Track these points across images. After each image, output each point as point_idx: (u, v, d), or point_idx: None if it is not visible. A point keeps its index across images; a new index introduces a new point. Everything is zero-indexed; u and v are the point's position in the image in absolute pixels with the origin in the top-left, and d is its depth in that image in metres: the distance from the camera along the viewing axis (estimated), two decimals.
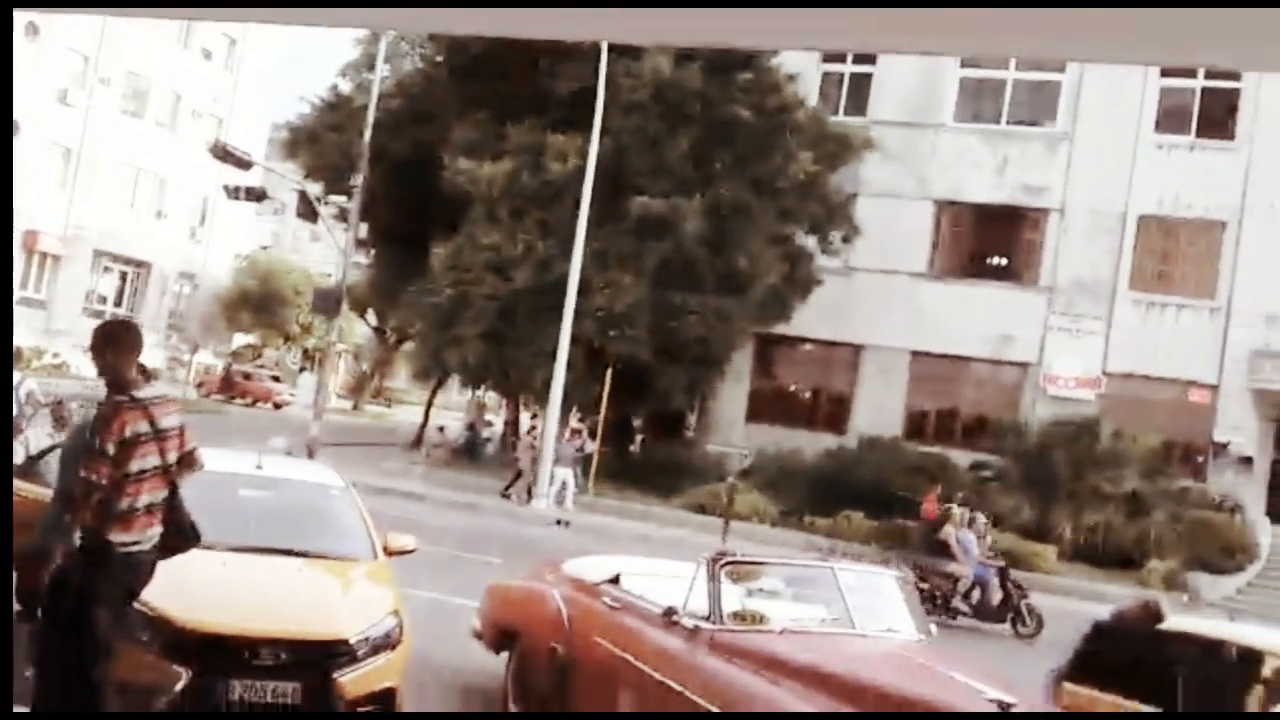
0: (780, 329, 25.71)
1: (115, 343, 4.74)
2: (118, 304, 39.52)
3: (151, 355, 39.58)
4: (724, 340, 24.21)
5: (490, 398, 32.25)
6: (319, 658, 5.71)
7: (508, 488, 21.62)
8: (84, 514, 4.52)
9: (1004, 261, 27.00)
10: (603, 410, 22.18)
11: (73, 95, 35.66)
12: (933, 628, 6.40)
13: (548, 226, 23.02)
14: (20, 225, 34.06)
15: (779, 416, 26.82)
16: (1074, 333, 24.81)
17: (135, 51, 37.09)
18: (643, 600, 6.55)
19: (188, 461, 4.84)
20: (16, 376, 12.24)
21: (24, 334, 32.74)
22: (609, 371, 21.91)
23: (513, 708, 7.01)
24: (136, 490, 4.58)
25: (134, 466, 4.55)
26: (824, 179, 24.32)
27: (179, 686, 5.42)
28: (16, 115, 33.39)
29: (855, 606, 6.01)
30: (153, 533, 4.70)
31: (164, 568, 5.94)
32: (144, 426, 4.56)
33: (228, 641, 5.53)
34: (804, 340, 26.90)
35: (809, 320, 25.45)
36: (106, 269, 38.98)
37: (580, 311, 21.45)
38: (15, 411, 10.43)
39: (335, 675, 5.70)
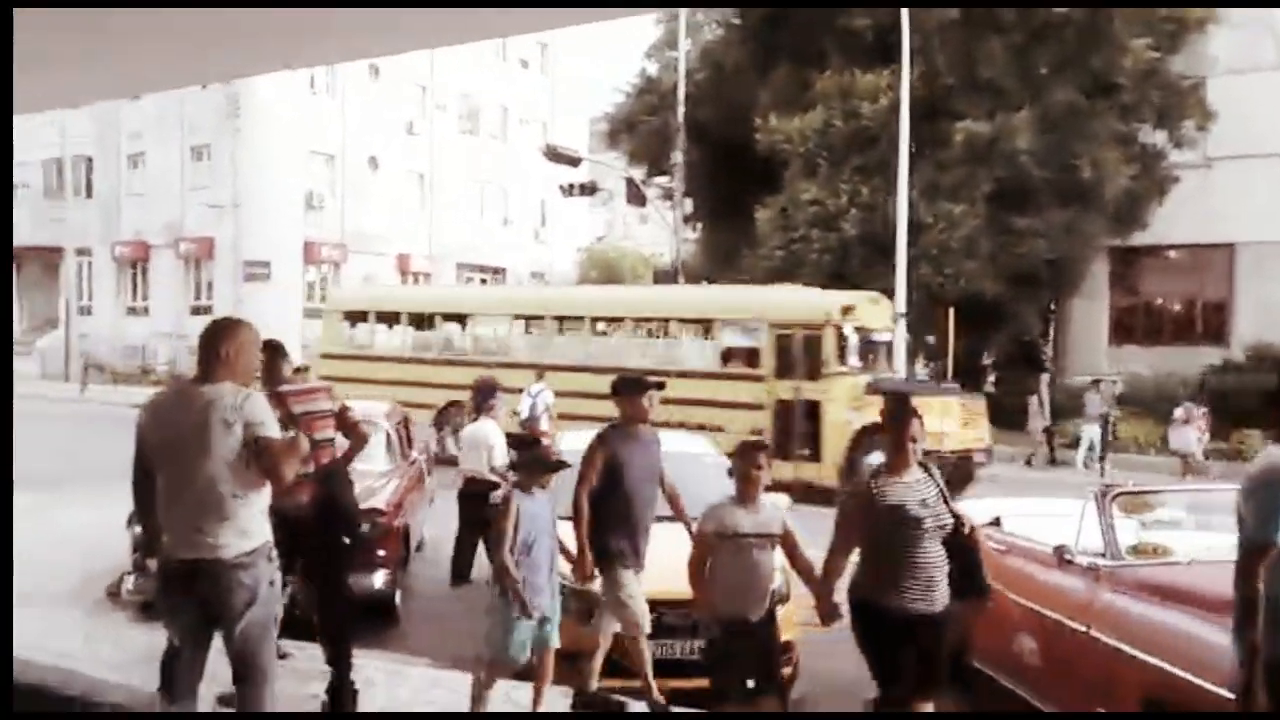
0: (1138, 238, 23.70)
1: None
2: None
3: None
4: (1076, 259, 22.71)
5: None
6: None
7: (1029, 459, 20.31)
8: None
9: None
10: (949, 351, 21.48)
11: (418, 125, 39.21)
12: None
13: (869, 170, 22.60)
14: (392, 250, 38.06)
15: (1147, 335, 24.78)
16: None
17: (463, 73, 40.15)
18: (1029, 541, 6.40)
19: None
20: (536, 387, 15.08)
21: None
22: (950, 311, 21.18)
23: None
24: None
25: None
26: (1164, 65, 22.13)
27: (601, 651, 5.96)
28: (374, 151, 37.35)
29: None
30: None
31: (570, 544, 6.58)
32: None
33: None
34: (1167, 247, 24.65)
35: (1170, 224, 23.26)
36: (469, 279, 42.69)
37: (915, 251, 20.89)
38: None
39: None
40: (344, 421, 5.75)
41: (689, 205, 26.86)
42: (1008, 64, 21.98)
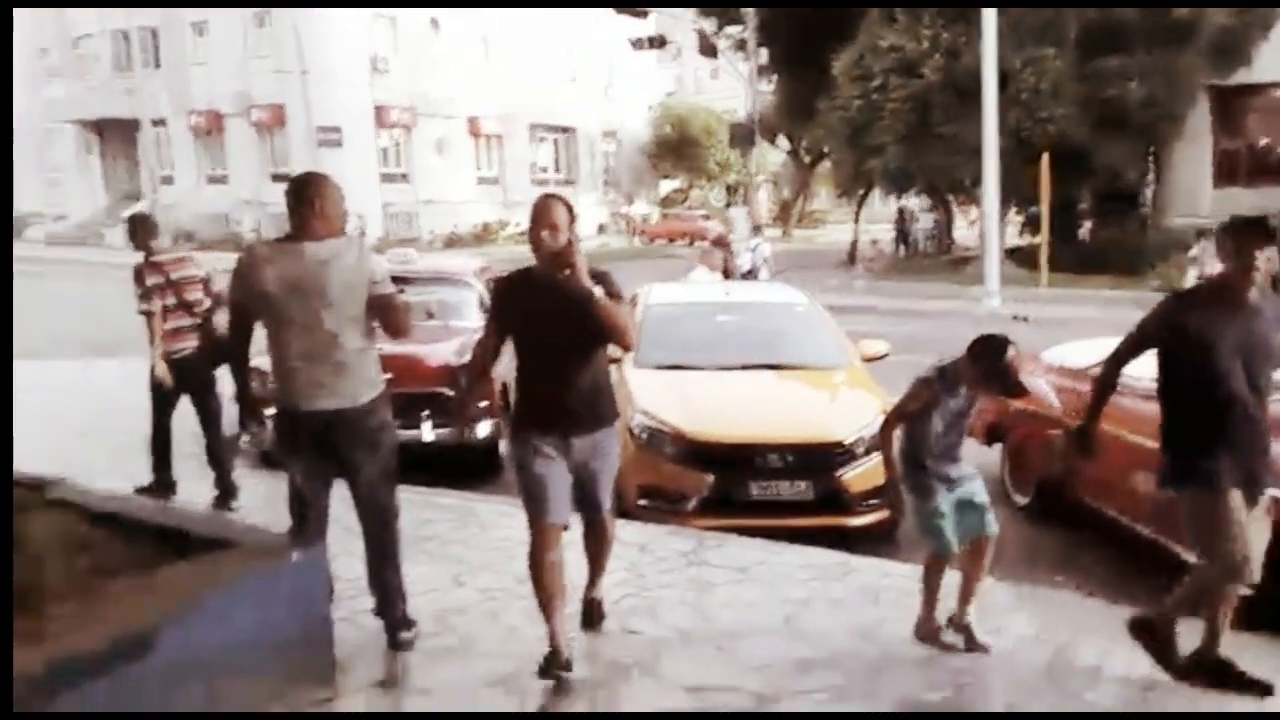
0: (1241, 76, 22.41)
1: (138, 230, 6.55)
2: (556, 170, 42.79)
3: (593, 212, 42.74)
4: (1174, 100, 21.60)
5: (915, 203, 31.49)
6: (821, 458, 6.10)
7: None
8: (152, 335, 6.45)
9: None
10: (1043, 198, 20.82)
11: None
12: None
13: (951, 14, 21.60)
14: (461, 113, 37.67)
15: (1253, 176, 23.60)
16: None
17: None
18: (1137, 379, 6.24)
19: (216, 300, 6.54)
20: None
21: (488, 209, 36.68)
22: (1044, 157, 20.45)
23: (1016, 498, 6.99)
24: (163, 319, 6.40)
25: (155, 304, 6.38)
26: None
27: (705, 490, 6.05)
28: (436, 13, 36.53)
29: None
30: (183, 345, 6.47)
31: (668, 391, 6.64)
32: (158, 278, 6.40)
33: (739, 450, 6.05)
34: (1272, 85, 23.29)
35: (1277, 60, 21.92)
36: (541, 139, 42.20)
37: (1003, 96, 20.07)
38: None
39: (839, 473, 6.07)
40: (208, 288, 6.58)
41: (763, 56, 25.97)
42: None
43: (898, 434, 4.46)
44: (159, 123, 37.98)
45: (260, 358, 4.26)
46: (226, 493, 6.59)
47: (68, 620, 3.52)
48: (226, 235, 34.05)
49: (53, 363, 12.12)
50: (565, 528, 4.07)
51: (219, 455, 6.61)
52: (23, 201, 42.76)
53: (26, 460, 4.43)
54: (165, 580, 3.92)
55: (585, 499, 4.21)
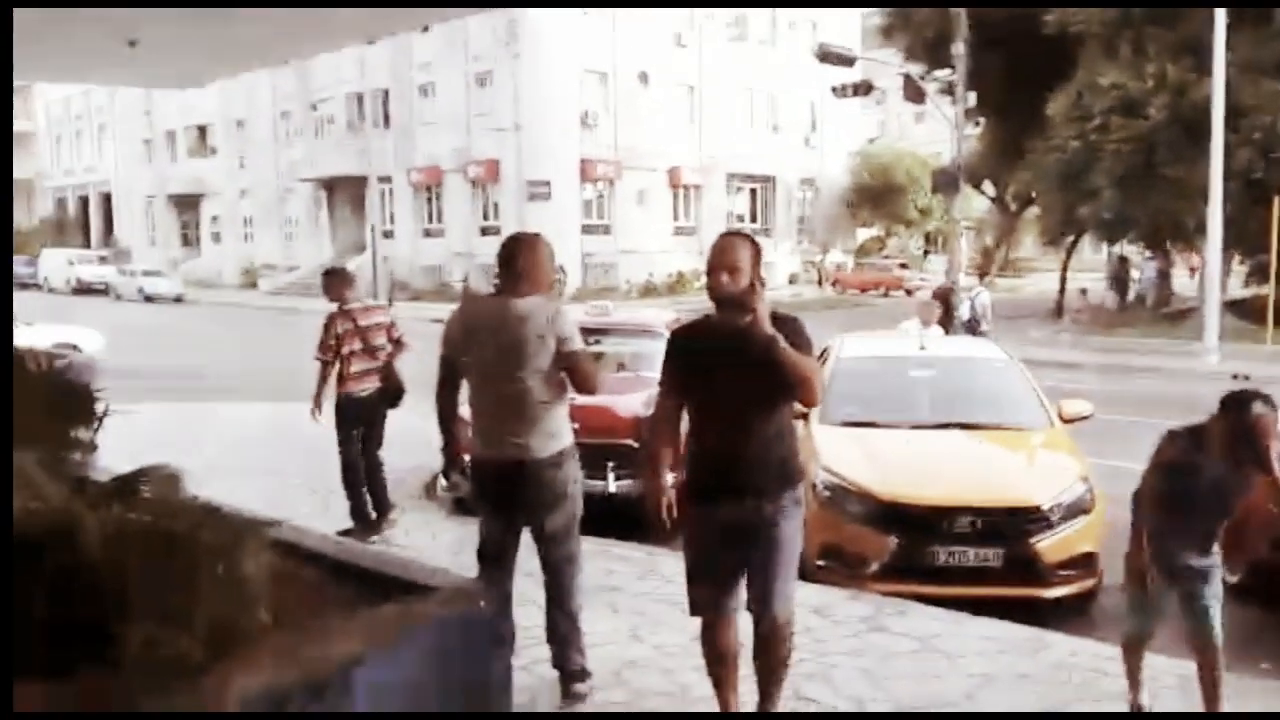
0: None
1: (333, 282, 7.22)
2: (752, 219, 42.88)
3: (786, 261, 42.58)
4: None
5: (1129, 251, 29.82)
6: (1014, 524, 5.85)
7: None
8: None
9: None
10: (1273, 247, 19.38)
11: (686, 36, 38.97)
12: None
13: (1177, 48, 20.51)
14: (663, 164, 38.39)
15: None
16: None
17: None
18: None
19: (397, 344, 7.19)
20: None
21: (683, 259, 37.19)
22: (1275, 200, 19.05)
23: (1225, 574, 6.42)
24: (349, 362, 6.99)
25: (344, 349, 6.95)
26: None
27: (887, 555, 5.89)
28: (645, 66, 37.52)
29: None
30: (366, 385, 7.06)
31: (855, 447, 6.52)
32: (348, 325, 7.01)
33: (926, 512, 5.87)
34: None
35: None
36: (738, 189, 42.43)
37: (1232, 135, 18.86)
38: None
39: (1032, 540, 5.80)
40: (390, 333, 7.20)
41: (971, 99, 25.30)
42: None
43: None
44: (385, 179, 40.41)
45: (464, 406, 4.46)
46: (382, 509, 7.18)
47: (272, 657, 3.79)
48: (438, 286, 35.82)
49: (281, 405, 13.00)
50: (735, 610, 3.80)
51: (375, 479, 7.24)
52: (260, 255, 46.47)
53: (248, 495, 4.79)
54: (362, 622, 4.17)
55: (754, 587, 3.71)
